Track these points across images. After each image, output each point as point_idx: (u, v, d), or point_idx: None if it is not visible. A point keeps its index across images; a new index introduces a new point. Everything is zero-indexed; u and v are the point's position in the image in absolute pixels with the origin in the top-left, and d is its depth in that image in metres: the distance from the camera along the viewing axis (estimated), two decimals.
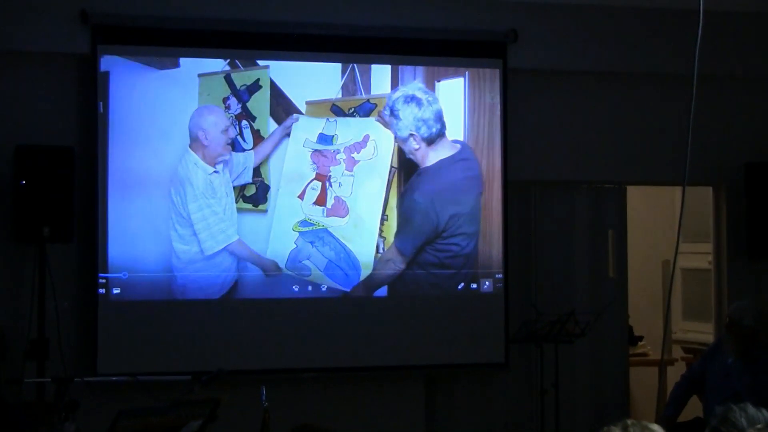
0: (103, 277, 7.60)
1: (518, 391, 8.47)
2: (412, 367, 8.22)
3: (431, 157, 8.14)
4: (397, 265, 8.09)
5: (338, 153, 8.05)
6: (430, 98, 8.15)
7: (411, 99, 8.10)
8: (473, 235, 8.20)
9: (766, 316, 6.94)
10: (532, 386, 8.27)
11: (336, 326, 8.01)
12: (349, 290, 8.03)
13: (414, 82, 8.16)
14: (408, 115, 8.09)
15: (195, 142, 7.77)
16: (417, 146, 8.09)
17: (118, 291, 7.63)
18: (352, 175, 8.06)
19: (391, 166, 8.12)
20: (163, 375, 6.78)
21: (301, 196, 7.97)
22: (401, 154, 8.14)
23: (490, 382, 8.45)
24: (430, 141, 8.11)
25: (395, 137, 8.11)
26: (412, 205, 8.11)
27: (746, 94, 8.95)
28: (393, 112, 8.08)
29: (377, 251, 8.07)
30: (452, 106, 8.23)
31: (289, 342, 7.92)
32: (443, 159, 8.17)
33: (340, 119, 8.06)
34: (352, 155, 8.07)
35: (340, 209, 8.03)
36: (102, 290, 7.60)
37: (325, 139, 8.04)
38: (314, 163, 8.01)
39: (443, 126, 8.15)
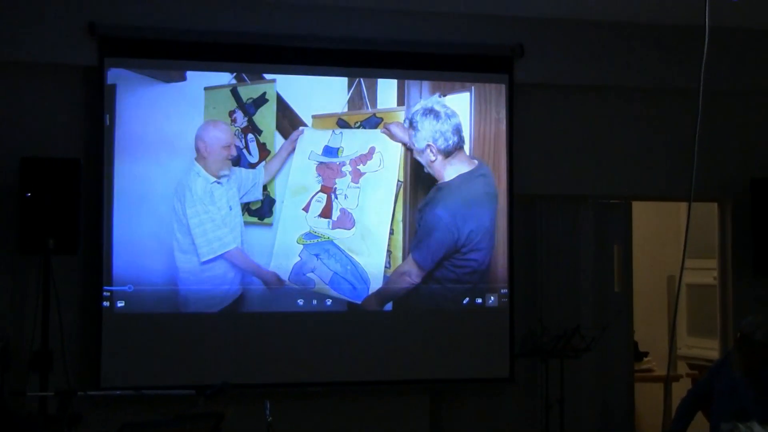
0: (107, 290, 7.60)
1: (523, 405, 8.45)
2: (418, 382, 8.20)
3: (449, 171, 8.16)
4: (413, 279, 8.10)
5: (344, 165, 8.05)
6: (449, 111, 8.18)
7: (429, 111, 8.14)
8: (490, 251, 8.22)
9: None
10: (538, 401, 8.24)
11: (340, 340, 8.01)
12: (359, 302, 8.03)
13: (433, 96, 8.18)
14: (426, 126, 8.11)
15: (198, 153, 7.79)
16: (433, 158, 8.12)
17: (122, 304, 7.63)
18: (358, 187, 8.06)
19: (398, 180, 8.12)
20: (167, 389, 6.77)
21: (306, 209, 7.98)
22: (411, 167, 8.14)
23: (496, 396, 8.43)
24: (447, 153, 8.14)
25: (413, 149, 8.13)
26: (434, 220, 8.13)
27: (752, 110, 8.95)
28: (412, 124, 8.12)
29: (385, 265, 8.06)
30: None
31: (293, 356, 7.91)
32: (463, 174, 8.19)
33: (346, 131, 8.07)
34: (358, 167, 8.08)
35: (346, 221, 8.03)
36: (106, 303, 7.60)
37: (330, 151, 8.04)
38: (319, 175, 8.02)
39: (461, 140, 8.19)
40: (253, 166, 7.90)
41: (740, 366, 6.90)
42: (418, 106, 8.16)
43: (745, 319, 7.13)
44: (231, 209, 7.84)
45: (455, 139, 8.18)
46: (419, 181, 8.17)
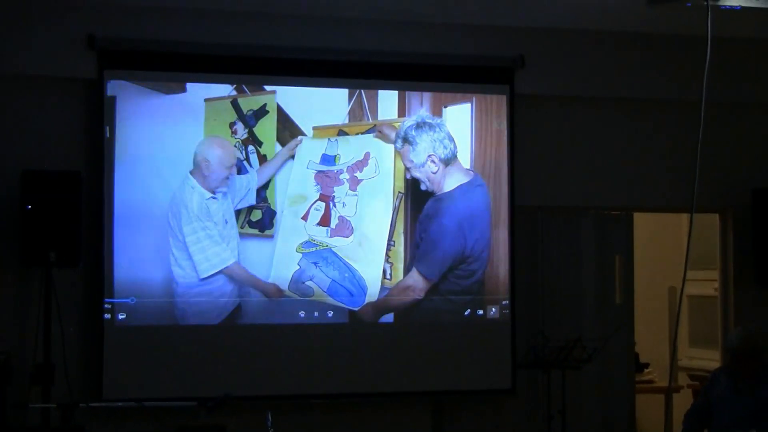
0: (108, 302, 7.59)
1: (525, 417, 8.44)
2: (419, 393, 8.19)
3: (449, 182, 8.16)
4: (417, 293, 8.11)
5: (341, 173, 8.06)
6: (439, 121, 8.18)
7: (423, 124, 8.13)
8: (490, 261, 8.23)
9: (764, 337, 6.92)
10: (539, 412, 8.22)
11: (342, 352, 8.00)
12: (356, 309, 8.02)
13: (420, 111, 8.18)
14: (425, 138, 8.10)
15: (197, 168, 7.78)
16: (435, 169, 8.11)
17: (124, 316, 7.62)
18: (356, 195, 8.07)
19: (398, 192, 8.12)
20: (169, 401, 6.76)
21: (305, 218, 7.98)
22: (409, 178, 8.14)
23: (497, 408, 8.41)
24: (447, 162, 8.13)
25: (411, 166, 8.10)
26: (440, 230, 8.13)
27: (753, 121, 8.96)
28: (408, 140, 8.10)
29: (385, 276, 8.07)
30: (459, 132, 8.25)
31: (295, 368, 7.90)
32: (463, 184, 8.20)
33: (341, 138, 8.08)
34: (355, 174, 8.08)
35: (345, 229, 8.04)
36: (107, 315, 7.59)
37: (327, 159, 8.05)
38: (318, 183, 8.02)
39: (455, 147, 8.18)
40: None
41: (732, 378, 6.91)
42: (409, 122, 8.14)
43: (734, 335, 7.17)
44: (227, 222, 7.83)
45: (452, 146, 8.18)
46: (418, 193, 8.16)
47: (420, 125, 8.14)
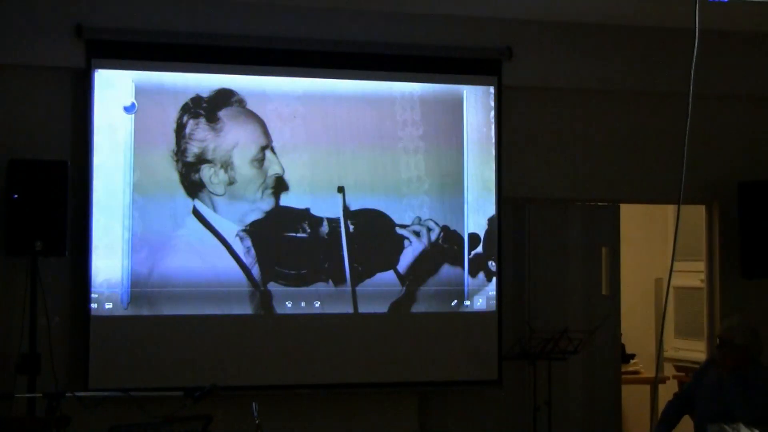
0: (95, 292, 7.58)
1: (511, 408, 8.45)
2: (406, 384, 8.20)
3: None
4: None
5: None
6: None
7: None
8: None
9: (757, 332, 6.94)
10: (525, 403, 8.24)
11: (329, 342, 7.99)
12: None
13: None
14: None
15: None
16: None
17: (110, 306, 7.61)
18: None
19: None
20: (156, 390, 6.75)
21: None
22: None
23: (483, 399, 8.43)
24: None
25: None
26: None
27: (740, 114, 8.97)
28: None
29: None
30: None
31: (282, 358, 7.90)
32: None
33: None
34: None
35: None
36: (94, 305, 7.57)
37: None
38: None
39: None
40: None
41: (723, 367, 6.93)
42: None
43: (723, 323, 7.17)
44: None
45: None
46: None
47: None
